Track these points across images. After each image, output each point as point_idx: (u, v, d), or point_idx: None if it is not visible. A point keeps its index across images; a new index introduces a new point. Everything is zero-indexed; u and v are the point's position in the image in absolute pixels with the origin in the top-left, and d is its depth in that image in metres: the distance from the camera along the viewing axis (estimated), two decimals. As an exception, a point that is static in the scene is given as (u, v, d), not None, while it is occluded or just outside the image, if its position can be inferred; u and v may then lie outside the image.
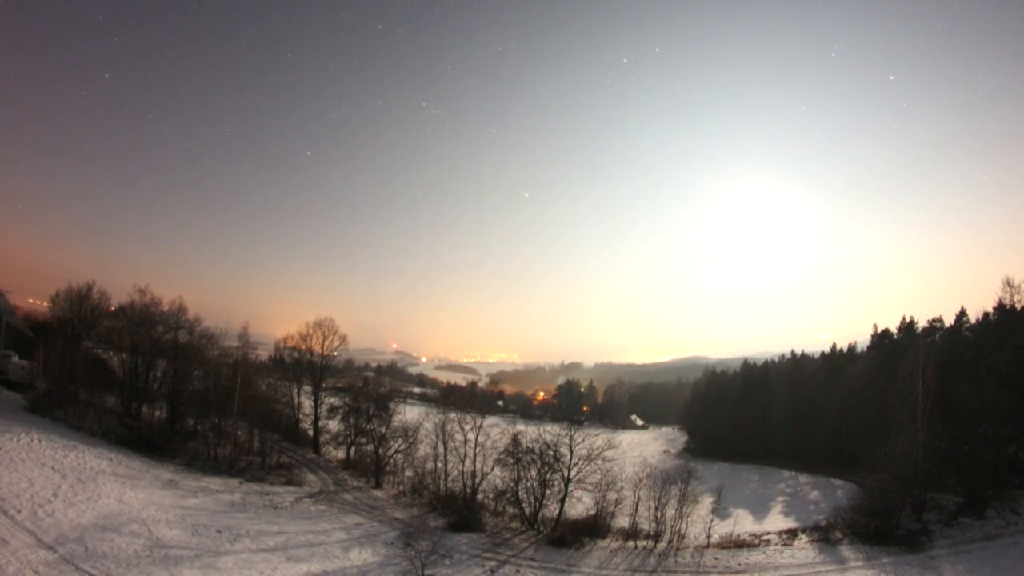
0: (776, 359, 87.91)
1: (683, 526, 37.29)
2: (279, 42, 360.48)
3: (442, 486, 44.22)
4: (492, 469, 42.77)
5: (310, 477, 46.78)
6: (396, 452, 49.41)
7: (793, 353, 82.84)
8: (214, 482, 39.34)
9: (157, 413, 48.03)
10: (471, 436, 44.18)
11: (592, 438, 41.96)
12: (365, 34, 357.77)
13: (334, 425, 54.53)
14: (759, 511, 45.93)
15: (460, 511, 39.13)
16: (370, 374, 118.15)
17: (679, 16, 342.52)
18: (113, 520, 26.66)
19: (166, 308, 50.39)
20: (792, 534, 37.87)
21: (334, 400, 55.92)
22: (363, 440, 51.18)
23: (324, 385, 57.50)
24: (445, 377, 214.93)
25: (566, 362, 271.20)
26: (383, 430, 49.80)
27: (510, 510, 41.28)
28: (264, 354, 72.06)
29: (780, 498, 50.69)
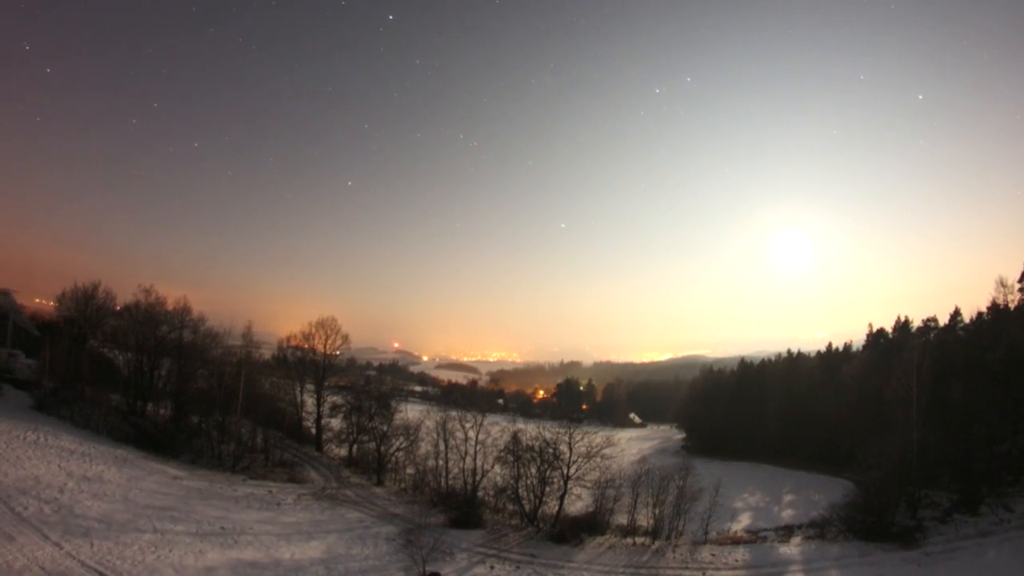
0: (773, 358, 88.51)
1: (681, 523, 37.58)
2: (322, 77, 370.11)
3: (443, 483, 44.56)
4: (492, 467, 43.06)
5: (312, 474, 47.26)
6: (398, 450, 49.85)
7: (789, 352, 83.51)
8: (218, 478, 39.81)
9: (162, 411, 48.44)
10: (472, 434, 44.45)
11: (591, 436, 42.21)
12: (404, 69, 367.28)
13: (336, 423, 54.88)
14: (756, 508, 46.45)
15: (461, 508, 39.40)
16: (372, 373, 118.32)
17: (709, 46, 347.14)
18: (118, 517, 26.88)
19: (171, 308, 50.90)
20: (788, 530, 38.20)
21: (336, 398, 56.25)
22: (365, 438, 51.53)
23: (327, 384, 57.84)
24: (446, 376, 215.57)
25: (565, 361, 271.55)
26: (385, 428, 50.19)
27: (510, 507, 41.59)
28: (267, 353, 72.37)
29: (776, 495, 51.22)
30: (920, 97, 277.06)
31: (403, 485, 47.63)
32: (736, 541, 36.53)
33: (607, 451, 41.59)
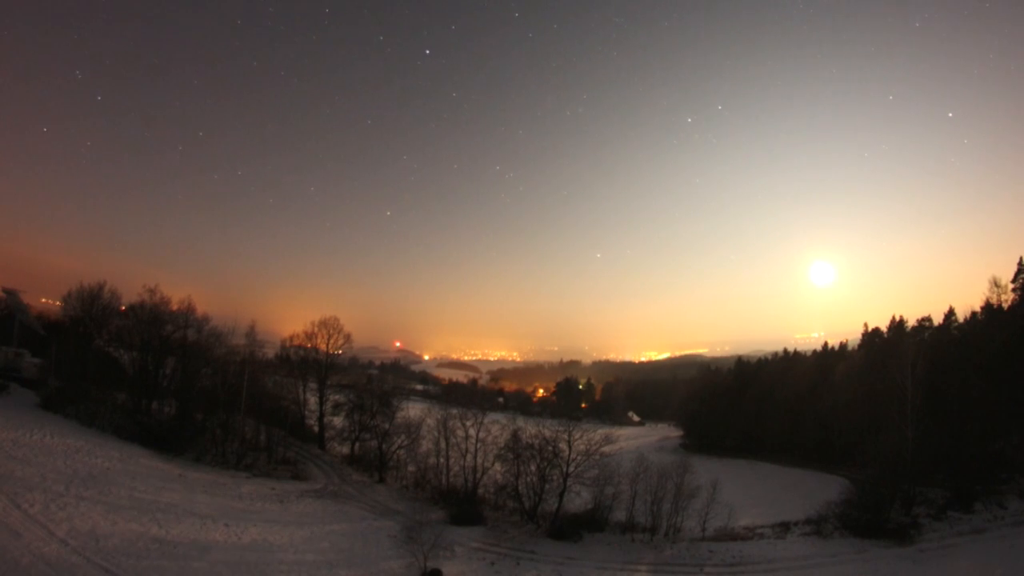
0: (769, 357, 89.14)
1: (679, 519, 37.85)
2: (362, 110, 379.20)
3: (444, 481, 45.08)
4: (493, 464, 43.53)
5: (315, 471, 47.75)
6: (399, 448, 50.17)
7: (786, 351, 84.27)
8: (222, 476, 40.27)
9: (166, 409, 48.82)
10: (472, 432, 44.98)
11: (590, 434, 42.48)
12: (441, 102, 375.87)
13: (339, 421, 55.27)
14: (753, 505, 46.64)
15: (462, 505, 39.88)
16: (374, 372, 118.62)
17: (738, 74, 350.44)
18: (123, 514, 27.20)
19: (175, 307, 51.46)
20: (785, 527, 38.49)
21: (339, 397, 56.65)
22: (367, 436, 52.00)
23: (329, 382, 58.28)
24: (447, 374, 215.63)
25: (565, 360, 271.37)
26: (386, 426, 50.57)
27: (510, 504, 41.91)
28: (270, 352, 72.73)
29: (773, 492, 51.59)
30: (950, 115, 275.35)
31: (405, 482, 48.08)
32: (733, 537, 36.80)
33: (606, 449, 41.92)
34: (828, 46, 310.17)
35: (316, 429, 57.54)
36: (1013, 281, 48.71)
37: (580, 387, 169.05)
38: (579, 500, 40.61)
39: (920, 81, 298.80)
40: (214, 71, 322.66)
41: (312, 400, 58.08)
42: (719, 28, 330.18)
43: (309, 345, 60.41)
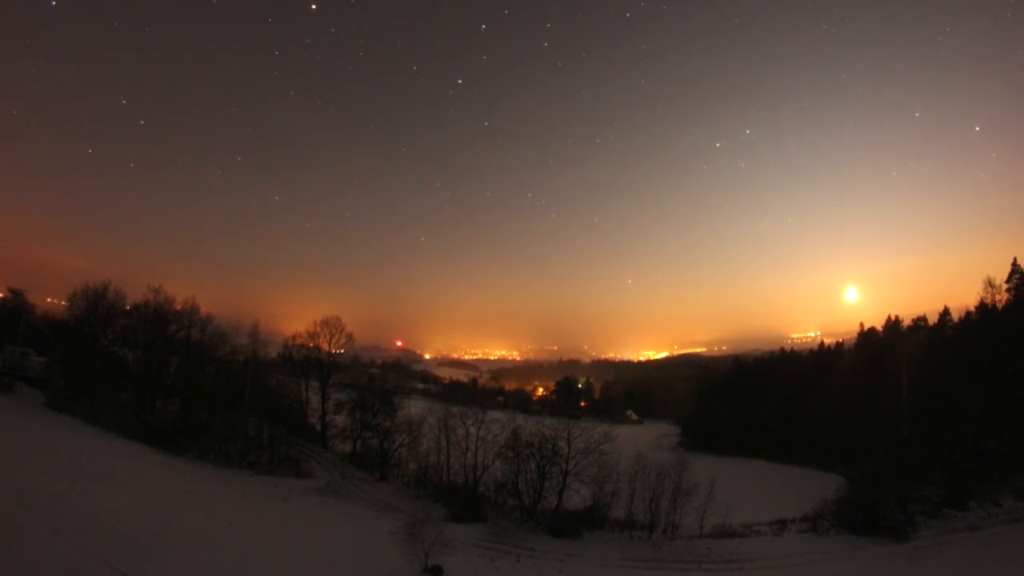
0: (767, 356, 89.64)
1: (677, 517, 38.08)
2: (396, 138, 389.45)
3: (445, 479, 45.44)
4: (493, 462, 43.77)
5: (317, 469, 48.15)
6: (400, 446, 50.52)
7: (783, 351, 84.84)
8: (225, 474, 40.67)
9: (170, 408, 49.28)
10: (472, 430, 45.32)
11: (589, 432, 42.65)
12: (473, 131, 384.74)
13: (341, 420, 55.47)
14: (750, 502, 46.95)
15: (462, 502, 40.11)
16: (375, 371, 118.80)
17: (765, 98, 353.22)
18: (128, 512, 27.45)
19: (179, 307, 52.10)
20: (782, 524, 38.81)
21: (341, 396, 56.97)
22: (369, 434, 52.31)
23: (331, 381, 58.70)
24: (448, 373, 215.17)
25: (564, 359, 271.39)
26: (388, 425, 50.94)
27: (510, 502, 42.10)
28: (273, 352, 73.09)
29: (770, 490, 51.91)
30: (977, 129, 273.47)
31: (406, 480, 48.50)
32: (730, 534, 37.13)
33: (604, 447, 42.13)
34: (853, 66, 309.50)
35: (318, 427, 57.96)
36: (1007, 281, 49.08)
37: (579, 386, 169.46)
38: (578, 497, 40.74)
39: (946, 96, 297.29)
40: (252, 99, 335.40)
41: (314, 399, 58.52)
42: (745, 54, 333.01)
43: (311, 344, 60.97)
